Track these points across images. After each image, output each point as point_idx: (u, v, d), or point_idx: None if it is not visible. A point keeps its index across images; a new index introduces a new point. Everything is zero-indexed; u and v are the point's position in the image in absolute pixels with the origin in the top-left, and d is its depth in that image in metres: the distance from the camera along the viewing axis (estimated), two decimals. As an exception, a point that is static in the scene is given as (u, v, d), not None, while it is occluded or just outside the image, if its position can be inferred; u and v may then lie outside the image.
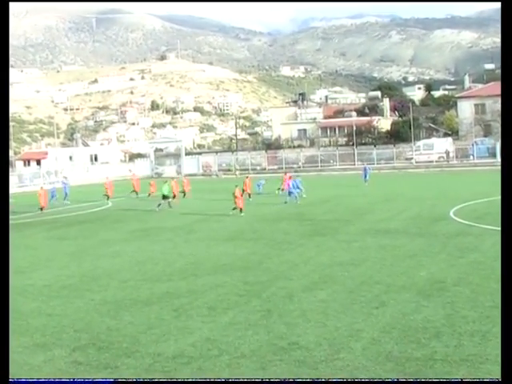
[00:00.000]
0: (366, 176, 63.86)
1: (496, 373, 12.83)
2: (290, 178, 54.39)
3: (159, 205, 49.75)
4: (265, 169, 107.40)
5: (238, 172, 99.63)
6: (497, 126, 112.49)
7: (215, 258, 27.32)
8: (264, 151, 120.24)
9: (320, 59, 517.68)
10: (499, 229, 31.53)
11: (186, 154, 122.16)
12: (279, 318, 17.59)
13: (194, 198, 58.43)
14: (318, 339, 15.62)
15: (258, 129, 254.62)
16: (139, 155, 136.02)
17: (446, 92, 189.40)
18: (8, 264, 13.79)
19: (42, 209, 51.93)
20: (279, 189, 57.37)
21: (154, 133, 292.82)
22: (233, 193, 44.06)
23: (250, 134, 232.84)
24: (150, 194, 60.52)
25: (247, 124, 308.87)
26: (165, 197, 51.63)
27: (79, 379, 12.30)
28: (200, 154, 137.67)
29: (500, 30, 14.39)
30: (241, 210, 43.50)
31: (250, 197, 53.39)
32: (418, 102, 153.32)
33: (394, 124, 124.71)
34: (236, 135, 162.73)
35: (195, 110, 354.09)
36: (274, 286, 21.62)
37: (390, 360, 14.03)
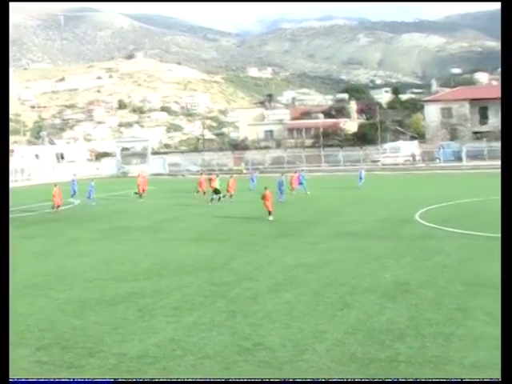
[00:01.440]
0: (360, 178, 63.37)
1: (459, 374, 12.96)
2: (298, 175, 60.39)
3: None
4: (231, 169, 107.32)
5: (244, 170, 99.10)
6: (463, 130, 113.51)
7: (181, 259, 27.26)
8: (230, 152, 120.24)
9: (288, 61, 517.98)
10: (464, 232, 31.90)
11: (153, 154, 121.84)
12: (244, 319, 17.59)
13: (160, 197, 58.24)
14: (282, 340, 15.64)
15: (224, 129, 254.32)
16: (106, 154, 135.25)
17: (413, 95, 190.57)
18: (8, 264, 13.91)
19: (58, 207, 50.64)
20: (291, 190, 58.06)
21: (121, 132, 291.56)
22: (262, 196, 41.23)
23: (216, 135, 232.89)
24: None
25: (214, 124, 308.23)
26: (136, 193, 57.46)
27: (79, 379, 12.35)
28: (166, 153, 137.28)
29: (500, 30, 14.46)
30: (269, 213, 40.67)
31: (231, 197, 54.06)
32: (385, 105, 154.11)
33: (360, 126, 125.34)
34: (203, 135, 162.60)
35: (162, 109, 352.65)
36: (239, 287, 21.62)
37: (354, 361, 14.09)
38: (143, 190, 59.48)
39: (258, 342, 15.56)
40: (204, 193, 56.20)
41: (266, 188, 41.39)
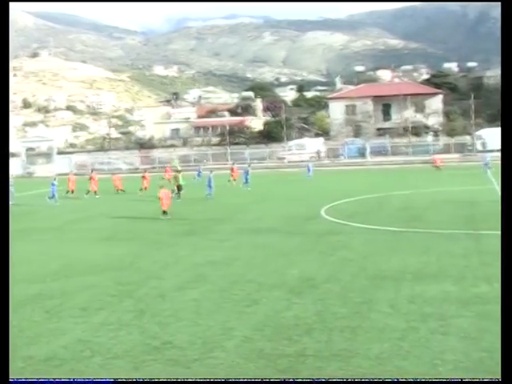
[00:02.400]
0: (309, 171, 69.61)
1: (366, 367, 13.19)
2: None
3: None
4: (138, 168, 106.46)
5: (179, 167, 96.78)
6: (367, 127, 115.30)
7: (88, 259, 26.96)
8: (137, 151, 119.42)
9: (194, 59, 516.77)
10: (368, 227, 32.47)
11: (58, 154, 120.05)
12: (152, 318, 17.52)
13: (68, 197, 57.44)
14: (190, 338, 15.64)
15: (131, 128, 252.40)
16: (11, 154, 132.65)
17: (318, 93, 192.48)
18: (8, 264, 13.70)
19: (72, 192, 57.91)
20: (229, 180, 62.75)
21: (26, 132, 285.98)
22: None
23: (123, 134, 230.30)
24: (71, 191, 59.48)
25: (120, 123, 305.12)
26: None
27: (79, 379, 12.20)
28: (72, 153, 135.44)
29: (500, 30, 14.62)
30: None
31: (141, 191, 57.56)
32: (290, 103, 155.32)
33: (266, 124, 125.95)
34: (109, 134, 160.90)
35: (68, 108, 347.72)
36: (147, 285, 21.53)
37: (262, 357, 14.17)
38: (120, 189, 61.45)
39: (166, 341, 15.52)
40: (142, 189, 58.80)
41: (161, 186, 41.30)
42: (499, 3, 15.09)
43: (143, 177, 61.30)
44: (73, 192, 59.01)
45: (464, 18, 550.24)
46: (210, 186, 52.60)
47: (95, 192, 58.55)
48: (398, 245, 27.22)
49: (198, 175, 68.72)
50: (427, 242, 27.60)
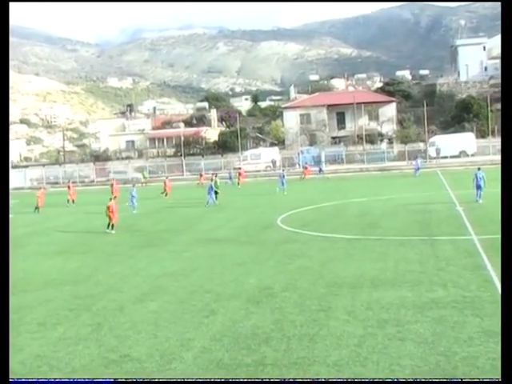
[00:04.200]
0: (282, 183, 63.57)
1: (324, 374, 13.25)
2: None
3: None
4: (93, 181, 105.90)
5: (143, 179, 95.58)
6: (321, 135, 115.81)
7: (45, 273, 26.74)
8: (92, 163, 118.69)
9: (148, 70, 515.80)
10: (324, 235, 32.59)
11: (13, 168, 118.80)
12: (110, 331, 17.44)
13: (22, 212, 56.88)
14: (149, 350, 15.59)
15: (85, 141, 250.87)
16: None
17: (273, 102, 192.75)
18: (8, 265, 13.68)
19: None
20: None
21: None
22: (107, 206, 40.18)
23: (77, 146, 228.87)
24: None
25: (75, 136, 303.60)
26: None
27: (79, 379, 12.18)
28: (27, 166, 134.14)
29: (500, 29, 14.72)
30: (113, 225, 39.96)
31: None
32: (245, 113, 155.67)
33: (221, 134, 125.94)
34: (64, 147, 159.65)
35: (22, 121, 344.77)
36: (105, 298, 21.41)
37: (221, 367, 14.18)
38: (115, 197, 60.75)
39: (124, 354, 15.45)
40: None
41: (110, 199, 40.92)
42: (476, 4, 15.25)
43: (111, 185, 63.31)
44: (37, 208, 56.72)
45: (416, 26, 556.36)
46: (210, 195, 52.78)
47: (73, 201, 61.44)
48: (354, 252, 27.37)
49: (282, 184, 65.55)
50: (383, 248, 27.78)
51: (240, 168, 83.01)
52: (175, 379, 12.96)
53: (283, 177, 63.90)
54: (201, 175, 79.61)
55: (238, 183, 74.23)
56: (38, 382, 11.98)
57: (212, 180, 56.13)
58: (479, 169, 46.55)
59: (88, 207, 57.07)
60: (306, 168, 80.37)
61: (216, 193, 54.34)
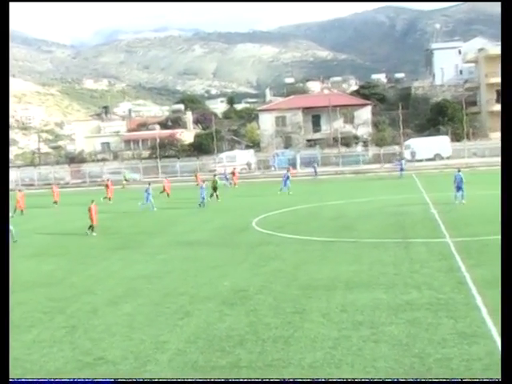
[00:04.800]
0: (285, 184, 63.40)
1: (299, 376, 13.26)
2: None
3: None
4: (68, 183, 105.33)
5: (124, 181, 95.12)
6: (297, 138, 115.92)
7: (20, 275, 26.51)
8: (67, 165, 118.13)
9: (124, 72, 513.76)
10: (299, 237, 32.62)
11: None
12: (84, 334, 17.39)
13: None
14: (123, 353, 15.56)
15: (61, 142, 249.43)
16: None
17: (248, 105, 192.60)
18: (8, 264, 13.73)
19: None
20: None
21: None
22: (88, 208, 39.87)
23: (53, 148, 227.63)
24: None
25: (50, 137, 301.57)
26: None
27: (79, 379, 12.25)
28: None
29: (501, 30, 14.75)
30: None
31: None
32: (220, 115, 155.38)
33: (197, 136, 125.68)
34: (39, 149, 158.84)
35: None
36: (79, 301, 21.33)
37: (196, 370, 14.19)
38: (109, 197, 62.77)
39: (98, 356, 15.42)
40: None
41: (92, 201, 40.60)
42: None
43: (106, 186, 64.60)
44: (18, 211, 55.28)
45: (392, 30, 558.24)
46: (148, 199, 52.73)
47: (55, 202, 61.80)
48: (329, 254, 27.44)
49: (226, 180, 68.76)
50: (358, 250, 27.87)
51: (234, 169, 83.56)
52: (175, 379, 13.09)
53: (287, 178, 63.87)
54: (196, 176, 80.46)
55: (235, 184, 74.72)
56: (38, 382, 12.12)
57: (204, 182, 58.86)
58: (459, 170, 46.70)
59: (68, 208, 56.84)
60: (288, 169, 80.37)
61: (215, 189, 57.81)
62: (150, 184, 55.35)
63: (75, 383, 12.05)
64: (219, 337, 16.41)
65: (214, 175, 64.61)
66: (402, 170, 76.33)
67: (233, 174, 78.08)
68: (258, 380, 12.57)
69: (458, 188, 44.49)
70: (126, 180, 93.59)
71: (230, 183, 76.32)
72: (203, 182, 59.85)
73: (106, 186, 64.77)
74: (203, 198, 52.45)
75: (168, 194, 64.28)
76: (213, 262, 27.20)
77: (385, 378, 12.87)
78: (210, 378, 13.51)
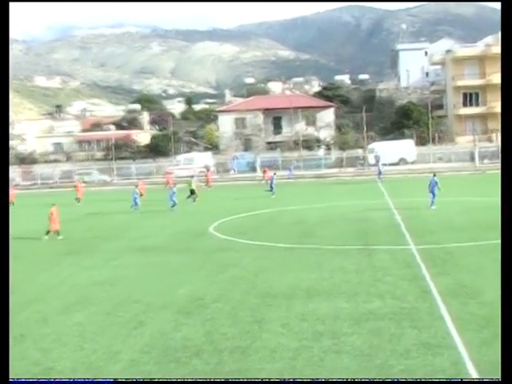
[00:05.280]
0: (271, 186, 62.93)
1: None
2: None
3: None
4: (18, 185, 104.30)
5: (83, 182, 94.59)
6: (257, 140, 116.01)
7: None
8: (17, 166, 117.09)
9: (78, 69, 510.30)
10: (259, 243, 32.64)
11: None
12: (34, 344, 17.23)
13: None
14: (74, 364, 15.44)
15: (11, 142, 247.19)
16: None
17: (207, 105, 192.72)
18: (8, 264, 14.07)
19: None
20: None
21: None
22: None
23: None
24: None
25: None
26: None
27: (79, 379, 12.48)
28: None
29: (501, 30, 14.88)
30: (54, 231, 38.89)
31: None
32: (178, 116, 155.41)
33: (153, 138, 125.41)
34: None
35: None
36: (29, 309, 21.13)
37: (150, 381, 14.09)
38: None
39: (48, 367, 15.29)
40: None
41: (53, 204, 40.19)
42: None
43: (76, 186, 65.34)
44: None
45: (357, 29, 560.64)
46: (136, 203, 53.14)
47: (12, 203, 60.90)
48: (289, 261, 27.45)
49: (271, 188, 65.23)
50: (319, 258, 27.92)
51: (208, 170, 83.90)
52: (176, 379, 13.20)
53: (272, 180, 63.95)
54: (166, 177, 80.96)
55: (209, 185, 74.72)
56: (38, 382, 12.38)
57: (173, 184, 59.80)
58: (434, 175, 46.99)
59: (20, 211, 56.30)
60: (265, 171, 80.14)
61: (192, 192, 58.23)
62: (137, 186, 55.68)
63: (75, 383, 12.32)
64: (174, 347, 16.34)
65: (191, 176, 65.82)
66: (380, 173, 75.69)
67: (206, 176, 78.14)
68: (258, 380, 12.79)
69: (432, 193, 44.85)
70: (84, 182, 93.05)
71: (206, 185, 76.34)
72: (174, 184, 59.79)
73: (75, 186, 65.37)
74: (174, 201, 52.25)
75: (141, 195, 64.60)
76: (169, 268, 27.11)
77: (385, 377, 12.96)
78: (209, 377, 13.50)
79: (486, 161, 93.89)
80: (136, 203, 53.04)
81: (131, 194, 53.99)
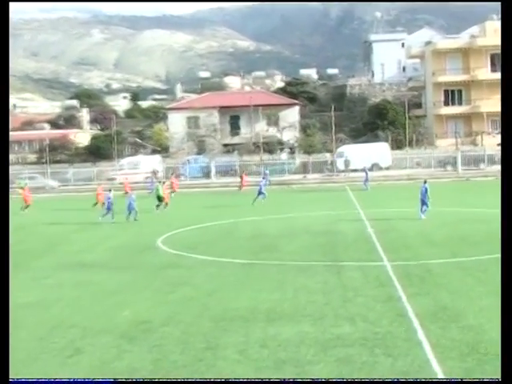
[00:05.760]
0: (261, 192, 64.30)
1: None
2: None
3: None
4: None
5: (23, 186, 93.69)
6: (212, 142, 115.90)
7: None
8: None
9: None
10: (214, 259, 32.61)
11: None
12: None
13: None
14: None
15: None
16: None
17: (156, 102, 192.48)
18: (8, 264, 14.86)
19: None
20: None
21: None
22: None
23: None
24: None
25: None
26: None
27: (79, 379, 13.09)
28: None
29: (501, 30, 15.00)
30: None
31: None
32: (122, 113, 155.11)
33: (94, 138, 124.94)
34: None
35: None
36: None
37: (87, 417, 14.00)
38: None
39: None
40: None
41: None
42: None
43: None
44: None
45: (325, 18, 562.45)
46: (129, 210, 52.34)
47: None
48: (247, 279, 27.44)
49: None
50: (281, 275, 27.93)
51: (173, 175, 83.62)
52: (176, 379, 13.83)
53: (263, 185, 64.20)
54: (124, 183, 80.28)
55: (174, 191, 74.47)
56: (38, 382, 13.05)
57: (132, 190, 61.29)
58: (425, 181, 47.23)
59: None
60: (241, 177, 79.94)
61: (160, 199, 58.59)
62: (110, 190, 54.77)
63: (75, 383, 12.88)
64: (117, 378, 16.21)
65: (159, 181, 66.52)
66: (366, 180, 75.18)
67: (172, 182, 77.83)
68: (258, 380, 13.22)
69: (422, 201, 45.11)
70: (21, 188, 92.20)
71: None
72: (132, 190, 59.58)
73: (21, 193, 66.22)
74: (133, 210, 51.73)
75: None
76: (110, 287, 26.96)
77: (385, 377, 12.94)
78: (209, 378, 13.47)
79: (469, 167, 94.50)
80: (133, 208, 51.81)
81: (125, 200, 53.27)
